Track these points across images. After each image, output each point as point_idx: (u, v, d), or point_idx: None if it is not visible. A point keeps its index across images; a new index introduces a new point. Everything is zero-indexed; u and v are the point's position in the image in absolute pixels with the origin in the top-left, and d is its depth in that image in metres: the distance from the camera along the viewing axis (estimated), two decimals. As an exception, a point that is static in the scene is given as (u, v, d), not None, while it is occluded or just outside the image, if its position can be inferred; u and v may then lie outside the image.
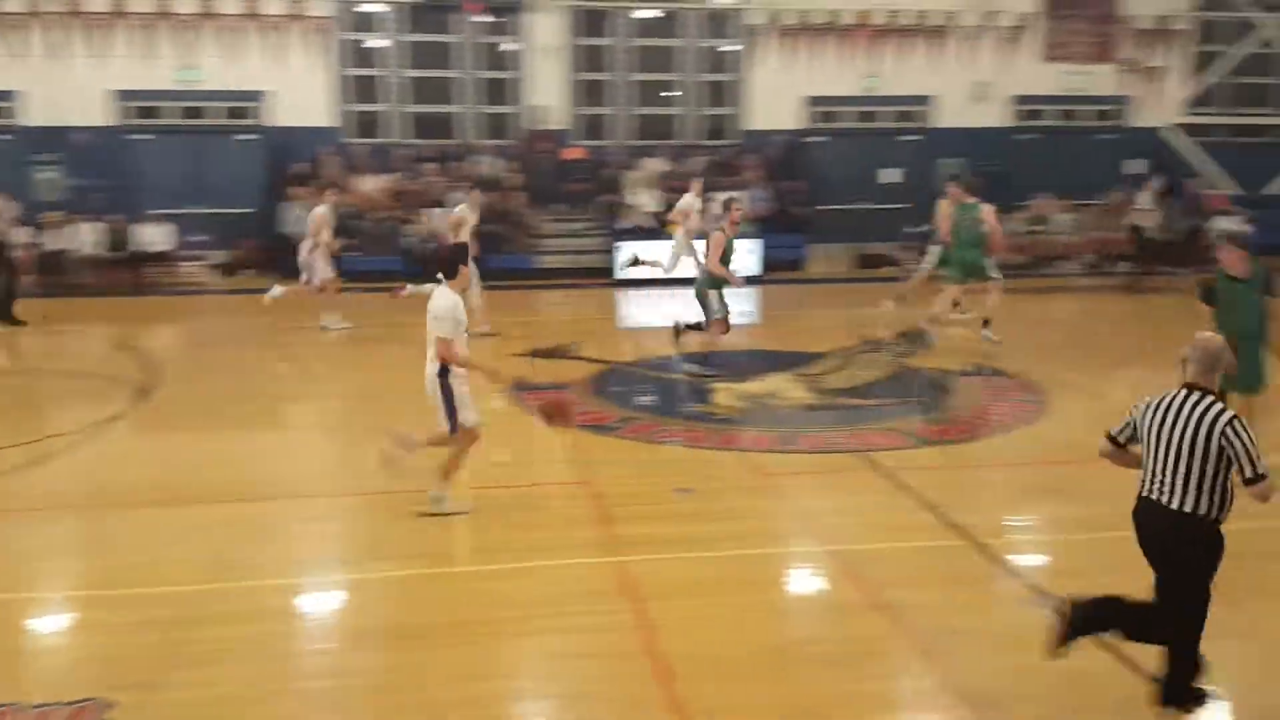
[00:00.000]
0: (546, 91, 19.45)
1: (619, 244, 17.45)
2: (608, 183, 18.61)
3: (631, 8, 19.88)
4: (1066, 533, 6.72)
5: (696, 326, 11.13)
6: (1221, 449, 4.17)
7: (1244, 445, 4.15)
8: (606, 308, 15.41)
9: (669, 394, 10.45)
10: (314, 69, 18.53)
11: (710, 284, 10.93)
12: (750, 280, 16.55)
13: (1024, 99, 20.49)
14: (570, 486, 7.51)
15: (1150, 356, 12.06)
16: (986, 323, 12.16)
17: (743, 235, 17.78)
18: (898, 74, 20.10)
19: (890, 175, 20.29)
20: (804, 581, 6.20)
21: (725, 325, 11.04)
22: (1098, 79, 20.60)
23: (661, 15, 20.07)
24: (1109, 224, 18.91)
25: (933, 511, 6.85)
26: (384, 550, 6.37)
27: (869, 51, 19.96)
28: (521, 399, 9.61)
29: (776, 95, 19.81)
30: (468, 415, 6.60)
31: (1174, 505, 4.29)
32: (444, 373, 6.49)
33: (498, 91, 19.71)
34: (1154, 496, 4.39)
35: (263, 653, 5.11)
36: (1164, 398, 4.47)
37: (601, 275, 17.34)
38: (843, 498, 7.36)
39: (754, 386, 10.18)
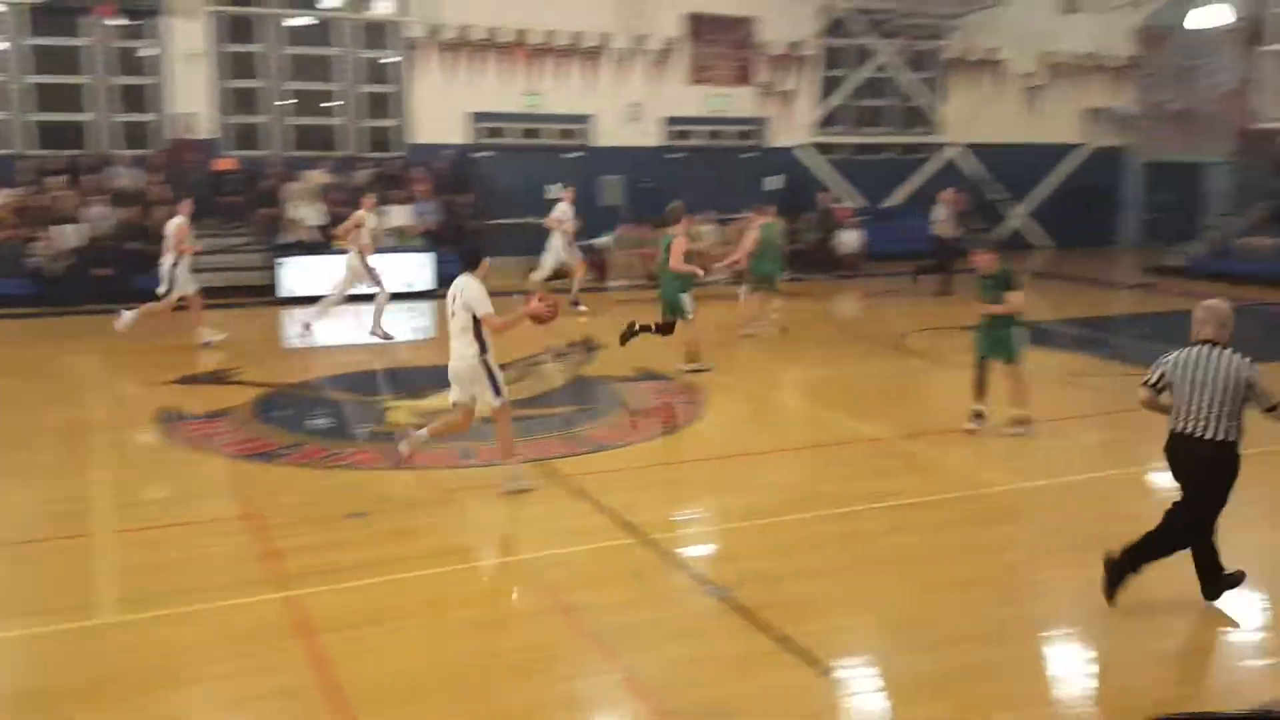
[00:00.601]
0: (192, 99, 18.26)
1: (281, 260, 16.68)
2: (266, 195, 17.72)
3: (283, 14, 19.08)
4: (730, 522, 7.16)
5: (657, 329, 11.36)
6: (1247, 386, 5.26)
7: (1262, 383, 5.26)
8: (269, 328, 14.66)
9: (340, 416, 10.12)
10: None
11: (682, 287, 11.27)
12: (424, 295, 16.50)
13: (674, 119, 21.68)
14: (233, 521, 7.06)
15: (793, 356, 13.19)
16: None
17: (414, 249, 17.70)
18: (558, 93, 20.64)
19: (556, 191, 20.78)
20: (488, 594, 6.20)
21: (672, 327, 11.42)
22: (739, 101, 22.20)
23: (316, 23, 19.41)
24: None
25: (608, 513, 7.08)
26: (13, 607, 5.70)
27: (529, 70, 20.35)
28: (172, 431, 8.96)
29: (441, 109, 19.75)
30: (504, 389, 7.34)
31: (1209, 436, 5.30)
32: (483, 351, 7.20)
33: (135, 99, 18.25)
34: (1189, 431, 5.37)
35: None
36: (1190, 352, 5.46)
37: (263, 293, 16.49)
38: (522, 508, 7.43)
39: (432, 403, 10.05)
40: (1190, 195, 24.42)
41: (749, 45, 22.09)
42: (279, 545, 6.55)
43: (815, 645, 5.17)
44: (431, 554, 6.47)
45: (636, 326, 11.40)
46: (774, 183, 22.30)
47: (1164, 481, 8.30)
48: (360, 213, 13.37)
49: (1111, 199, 25.67)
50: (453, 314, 7.27)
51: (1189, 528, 5.50)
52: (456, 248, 7.96)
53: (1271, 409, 5.34)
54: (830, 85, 23.32)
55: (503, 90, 20.22)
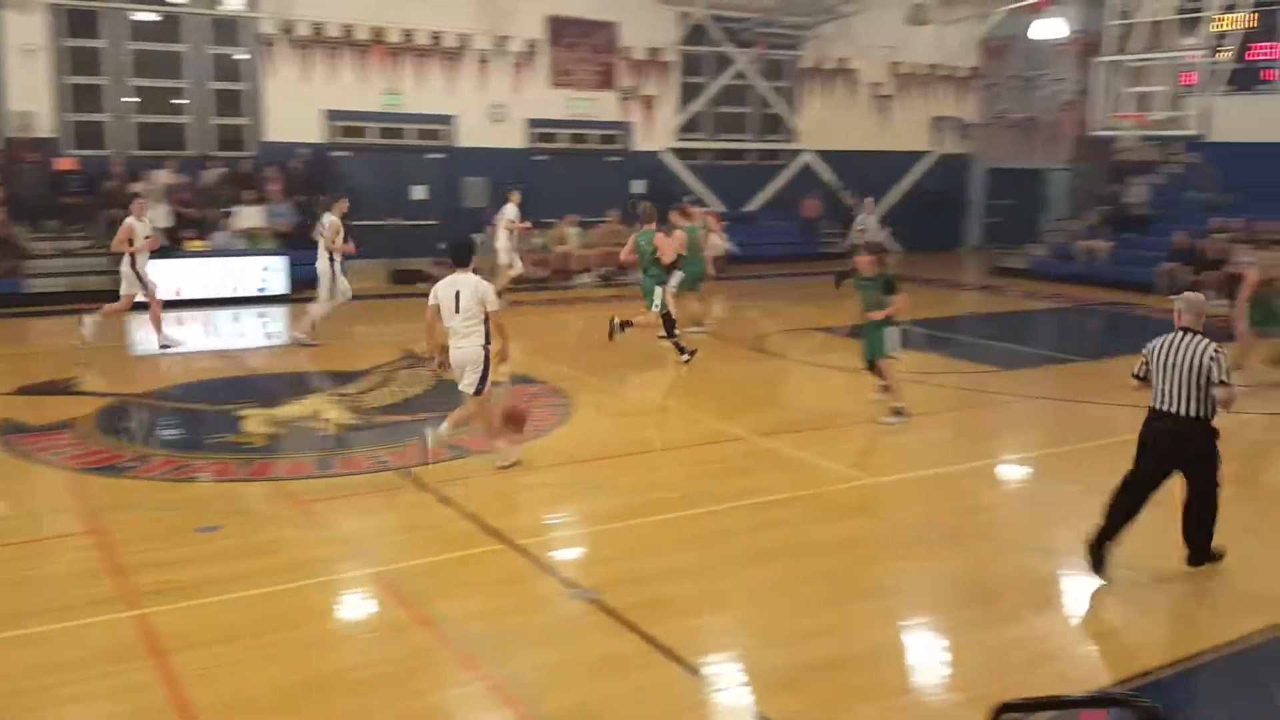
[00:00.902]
0: (30, 96, 17.27)
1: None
2: (111, 197, 16.90)
3: (128, 9, 18.23)
4: (598, 524, 7.20)
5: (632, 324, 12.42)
6: (1206, 367, 5.84)
7: (1220, 364, 5.90)
8: (115, 334, 13.99)
9: (192, 425, 9.74)
10: None
11: (659, 279, 12.19)
12: (280, 299, 16.04)
13: (538, 122, 21.62)
14: (77, 538, 6.72)
15: (658, 359, 13.34)
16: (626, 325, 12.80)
17: (266, 252, 17.19)
18: (418, 92, 20.33)
19: (419, 192, 20.53)
20: (346, 607, 6.05)
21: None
22: (602, 105, 22.30)
23: (161, 19, 18.62)
24: (619, 239, 20.59)
25: (474, 520, 7.02)
26: None
27: (387, 68, 20.00)
28: (10, 444, 8.49)
29: (295, 107, 19.17)
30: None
31: (1180, 412, 5.94)
32: (487, 342, 7.79)
33: (-36, 94, 17.17)
34: (1167, 409, 5.99)
35: None
36: (1167, 339, 6.09)
37: (107, 298, 15.68)
38: (384, 517, 7.31)
39: (288, 410, 9.81)
40: (1031, 200, 25.72)
41: (610, 50, 22.21)
42: (128, 562, 6.27)
43: (681, 643, 5.25)
44: (288, 567, 6.28)
45: (618, 322, 12.44)
46: (638, 187, 22.53)
47: (1009, 474, 8.79)
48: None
49: (958, 204, 26.81)
50: (455, 309, 7.76)
51: (1135, 496, 6.16)
52: (449, 245, 8.20)
53: (1221, 383, 5.93)
54: (691, 91, 23.64)
55: (361, 89, 19.78)
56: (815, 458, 8.70)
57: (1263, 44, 21.72)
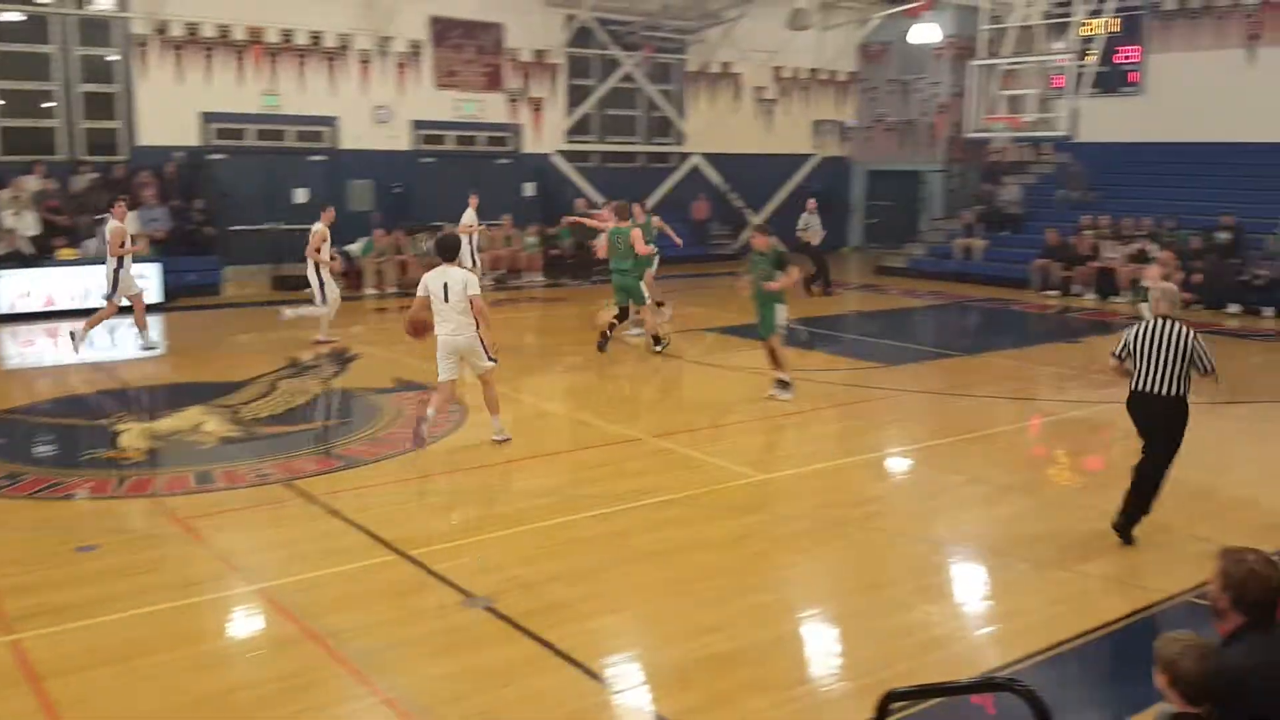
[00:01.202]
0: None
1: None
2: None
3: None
4: (491, 531, 7.11)
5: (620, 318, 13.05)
6: (1191, 352, 6.41)
7: (1205, 351, 6.44)
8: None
9: (66, 441, 9.34)
10: None
11: (640, 272, 12.81)
12: (155, 308, 15.47)
13: (424, 123, 21.36)
14: (-60, 563, 6.38)
15: (549, 362, 13.33)
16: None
17: (140, 259, 16.56)
18: (299, 94, 19.88)
19: (301, 196, 20.05)
20: (232, 625, 5.88)
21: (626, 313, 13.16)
22: (490, 107, 22.15)
23: (26, 19, 17.78)
24: (513, 241, 20.54)
25: (363, 531, 6.90)
26: None
27: (266, 69, 19.50)
28: None
29: (169, 109, 18.54)
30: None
31: (1165, 392, 6.47)
32: (478, 326, 8.63)
33: None
34: (1150, 390, 6.53)
35: None
36: (1147, 325, 6.59)
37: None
38: (270, 531, 7.13)
39: (167, 424, 9.48)
40: (910, 201, 26.48)
41: (497, 51, 22.07)
42: (0, 585, 5.99)
43: (578, 647, 5.26)
44: (170, 586, 6.07)
45: (607, 331, 12.73)
46: (528, 190, 22.46)
47: (895, 466, 9.03)
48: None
49: (840, 206, 27.44)
50: (446, 298, 8.52)
51: (1157, 468, 6.66)
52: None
53: (1209, 372, 6.49)
54: (579, 94, 23.65)
55: (238, 90, 19.24)
56: (708, 457, 8.80)
57: (1126, 47, 22.82)
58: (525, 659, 5.19)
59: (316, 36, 19.91)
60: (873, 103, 27.75)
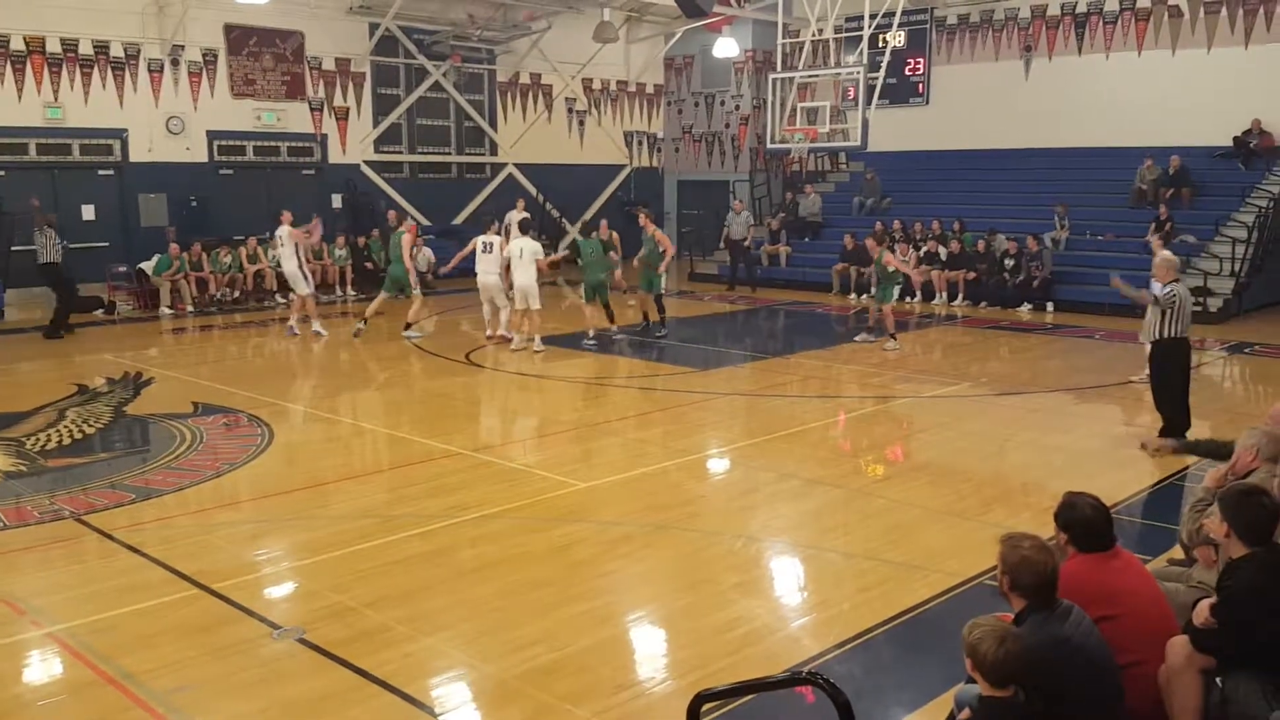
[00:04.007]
0: None
1: None
2: None
3: None
4: (301, 558, 6.87)
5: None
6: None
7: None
8: None
9: None
10: None
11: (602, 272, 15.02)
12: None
13: (221, 134, 20.46)
14: None
15: (363, 378, 13.00)
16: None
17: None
18: (84, 105, 18.71)
19: (88, 212, 18.87)
20: (24, 673, 5.42)
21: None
22: (292, 116, 21.42)
23: None
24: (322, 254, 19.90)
25: (164, 566, 6.54)
26: None
27: (47, 80, 18.26)
28: None
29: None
30: None
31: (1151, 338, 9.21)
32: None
33: None
34: (1185, 334, 9.05)
35: None
36: (1179, 287, 9.00)
37: None
38: (62, 571, 6.65)
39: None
40: (720, 210, 27.21)
41: (297, 59, 21.37)
42: None
43: (396, 673, 5.13)
44: (-54, 637, 5.59)
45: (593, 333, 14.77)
46: (336, 201, 21.85)
47: (712, 467, 9.24)
48: None
49: (654, 215, 27.90)
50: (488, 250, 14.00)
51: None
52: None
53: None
54: (387, 103, 23.18)
55: (17, 103, 17.95)
56: (530, 468, 8.78)
57: (914, 59, 24.17)
58: (340, 689, 5.03)
59: (102, 46, 18.78)
60: (680, 114, 28.39)
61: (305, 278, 15.49)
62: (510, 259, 14.21)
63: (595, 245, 15.06)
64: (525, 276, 13.93)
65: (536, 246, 14.25)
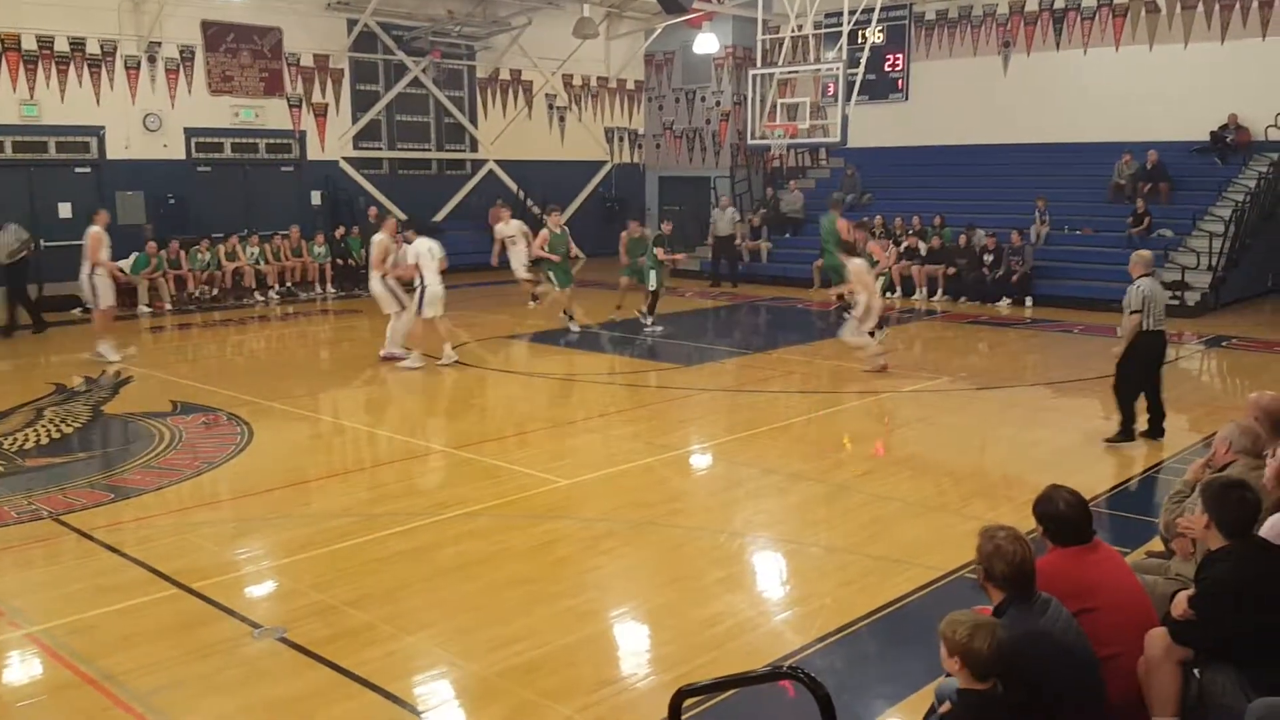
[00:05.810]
0: None
1: None
2: None
3: None
4: (282, 557, 6.84)
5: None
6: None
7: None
8: None
9: None
10: None
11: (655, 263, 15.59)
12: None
13: (198, 131, 20.31)
14: None
15: (345, 375, 12.94)
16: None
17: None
18: (60, 102, 18.54)
19: (65, 210, 18.71)
20: (1, 675, 5.39)
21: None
22: (271, 113, 21.29)
23: None
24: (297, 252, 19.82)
25: (143, 566, 6.50)
26: None
27: (23, 77, 18.09)
28: None
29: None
30: None
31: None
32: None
33: None
34: (1157, 327, 9.08)
35: None
36: (1150, 281, 9.05)
37: None
38: (41, 571, 6.60)
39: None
40: (701, 206, 27.21)
41: (275, 56, 21.24)
42: None
43: (378, 671, 5.12)
44: (-78, 640, 5.54)
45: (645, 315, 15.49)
46: (315, 198, 21.75)
47: (695, 463, 9.25)
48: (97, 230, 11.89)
49: (635, 211, 27.89)
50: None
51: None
52: None
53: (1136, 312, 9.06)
54: (366, 99, 23.07)
55: (-7, 99, 17.81)
56: (512, 465, 8.76)
57: (893, 55, 24.23)
58: (322, 688, 5.01)
59: (79, 42, 18.62)
60: (661, 110, 28.36)
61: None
62: (419, 261, 13.05)
63: (638, 245, 16.28)
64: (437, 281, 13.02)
65: (435, 244, 13.26)
